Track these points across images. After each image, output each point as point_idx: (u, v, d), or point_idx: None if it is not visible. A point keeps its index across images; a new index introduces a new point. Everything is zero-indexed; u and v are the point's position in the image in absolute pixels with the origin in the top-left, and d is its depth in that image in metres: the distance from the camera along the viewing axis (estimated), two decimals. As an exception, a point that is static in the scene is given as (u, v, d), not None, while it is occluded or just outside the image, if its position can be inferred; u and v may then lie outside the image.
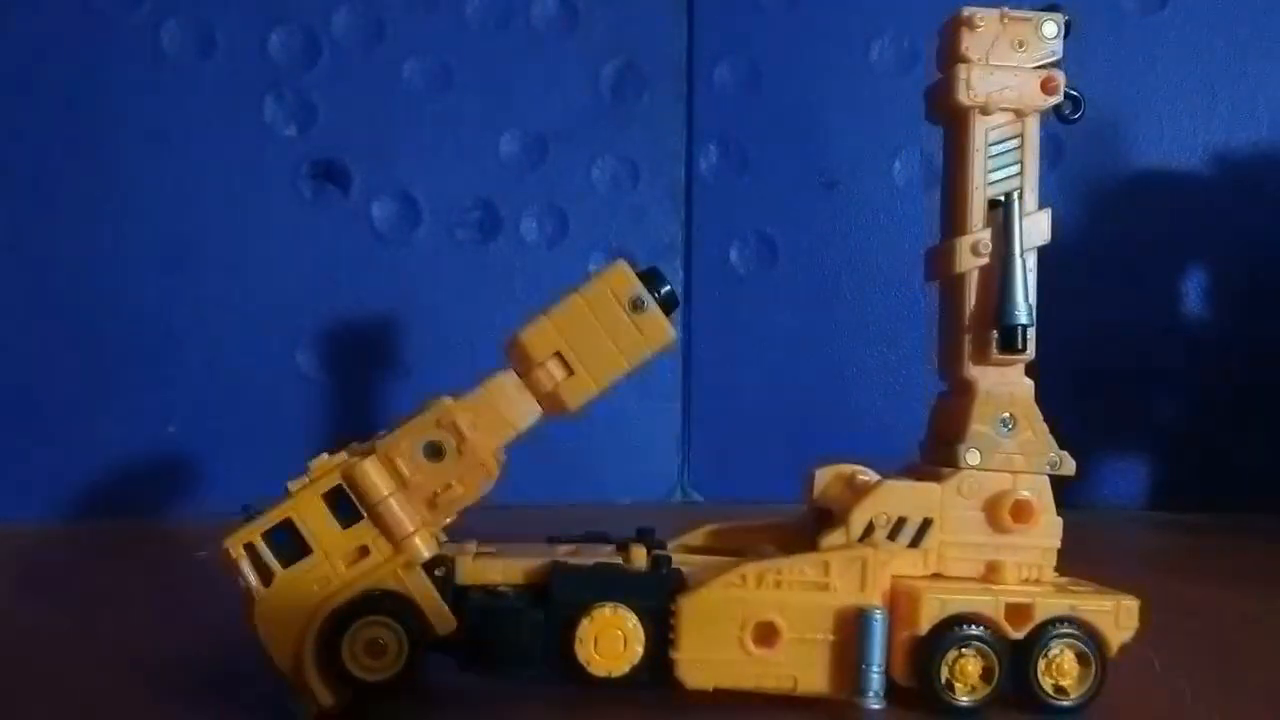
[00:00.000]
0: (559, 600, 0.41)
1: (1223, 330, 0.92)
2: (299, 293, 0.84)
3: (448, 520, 0.42)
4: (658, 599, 0.41)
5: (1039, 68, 0.44)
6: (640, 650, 0.41)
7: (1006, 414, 0.44)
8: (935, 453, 0.46)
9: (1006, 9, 0.44)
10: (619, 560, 0.43)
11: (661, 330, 0.42)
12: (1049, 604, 0.42)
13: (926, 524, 0.43)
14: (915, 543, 0.43)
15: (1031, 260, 0.45)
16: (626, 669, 0.41)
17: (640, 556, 0.43)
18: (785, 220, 0.90)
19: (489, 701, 0.43)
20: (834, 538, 0.43)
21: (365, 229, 0.86)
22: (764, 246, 0.90)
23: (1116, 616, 0.42)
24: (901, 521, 0.43)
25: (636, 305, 0.42)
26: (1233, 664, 0.51)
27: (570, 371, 0.42)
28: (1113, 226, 0.90)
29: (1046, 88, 0.44)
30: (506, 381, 0.42)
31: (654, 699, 0.42)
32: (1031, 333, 0.44)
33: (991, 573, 0.43)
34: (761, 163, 0.90)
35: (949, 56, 0.45)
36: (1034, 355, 0.44)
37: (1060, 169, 0.89)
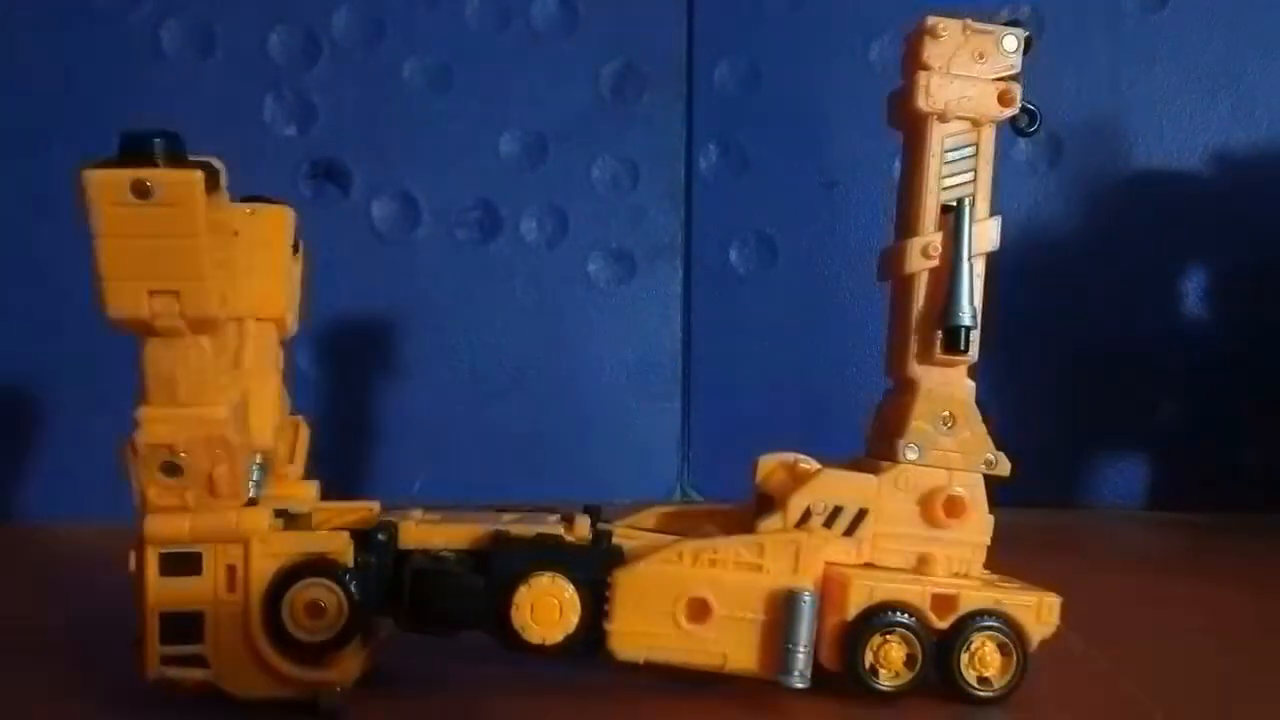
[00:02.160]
0: (498, 567, 0.42)
1: (1223, 330, 0.92)
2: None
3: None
4: (595, 571, 0.42)
5: (998, 80, 0.45)
6: (575, 620, 0.42)
7: (946, 413, 0.45)
8: (877, 447, 0.47)
9: (969, 20, 0.45)
10: (561, 532, 0.43)
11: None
12: (974, 596, 0.43)
13: (862, 514, 0.44)
14: (850, 531, 0.44)
15: (980, 266, 0.46)
16: (561, 637, 0.42)
17: (583, 530, 0.43)
18: (785, 220, 0.90)
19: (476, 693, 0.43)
20: (771, 522, 0.44)
21: (365, 228, 0.86)
22: (764, 246, 0.90)
23: (1038, 612, 0.43)
24: (838, 510, 0.44)
25: (140, 192, 0.38)
26: (1233, 664, 0.51)
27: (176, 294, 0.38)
28: (1112, 226, 0.90)
29: (1004, 99, 0.46)
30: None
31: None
32: (975, 335, 0.45)
33: (922, 564, 0.44)
34: (761, 163, 0.90)
35: (911, 63, 0.46)
36: (975, 358, 0.46)
37: (1060, 169, 0.89)
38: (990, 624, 0.43)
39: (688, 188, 0.90)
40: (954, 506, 0.44)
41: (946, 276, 0.45)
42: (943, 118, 0.45)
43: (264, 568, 0.40)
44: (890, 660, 0.42)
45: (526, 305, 0.88)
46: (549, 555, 0.42)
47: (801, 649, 0.42)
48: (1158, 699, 0.44)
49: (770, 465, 0.47)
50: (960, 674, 0.43)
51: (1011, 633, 0.43)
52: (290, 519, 0.42)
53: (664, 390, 0.90)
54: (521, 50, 0.87)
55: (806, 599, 0.42)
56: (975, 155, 0.46)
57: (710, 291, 0.90)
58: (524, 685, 0.45)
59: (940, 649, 0.43)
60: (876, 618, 0.42)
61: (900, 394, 0.47)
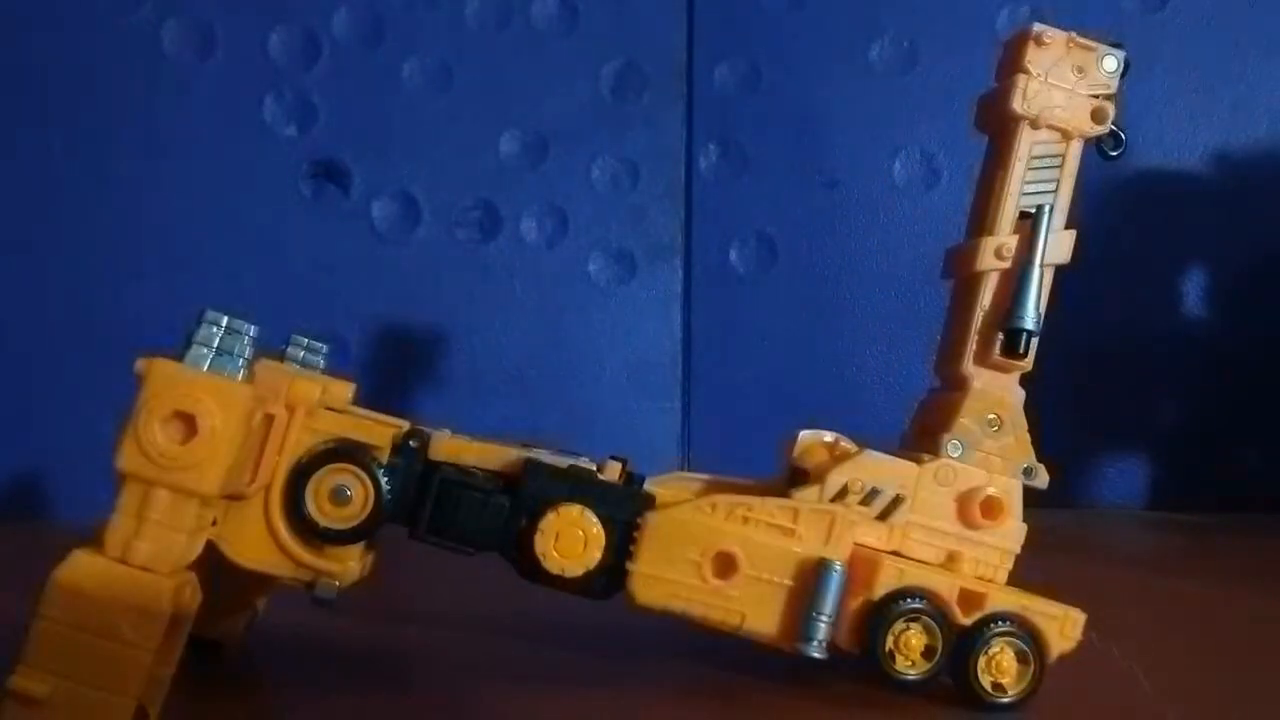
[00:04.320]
0: (529, 491, 0.42)
1: (1223, 330, 0.92)
2: (299, 291, 0.84)
3: None
4: (626, 510, 0.42)
5: (1093, 96, 0.46)
6: (598, 556, 0.41)
7: (994, 415, 0.45)
8: (918, 442, 0.47)
9: (1075, 34, 0.46)
10: (595, 469, 0.43)
11: None
12: (1001, 598, 0.43)
13: (898, 500, 0.44)
14: (884, 516, 0.44)
15: (1049, 277, 0.46)
16: (580, 571, 0.41)
17: (614, 471, 0.43)
18: (785, 220, 0.90)
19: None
20: (807, 493, 0.44)
21: (365, 228, 0.86)
22: (764, 246, 0.91)
23: (1063, 625, 0.43)
24: (874, 492, 0.44)
25: None
26: (1234, 663, 0.51)
27: None
28: (1112, 226, 0.90)
29: (1096, 116, 0.46)
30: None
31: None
32: (1034, 343, 0.45)
33: (950, 563, 0.44)
34: (761, 163, 0.90)
35: (1010, 66, 0.47)
36: (1031, 366, 0.46)
37: (1060, 169, 0.89)
38: (1012, 629, 0.42)
39: (688, 188, 0.90)
40: (991, 508, 0.44)
41: (1015, 280, 0.45)
42: (1035, 124, 0.46)
43: (301, 440, 0.39)
44: (910, 648, 0.42)
45: (527, 305, 0.88)
46: (582, 487, 0.42)
47: (825, 618, 0.42)
48: (1161, 698, 0.44)
49: (809, 441, 0.46)
50: (975, 677, 0.42)
51: (1032, 642, 0.42)
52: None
53: (664, 390, 0.90)
54: (522, 50, 0.87)
55: (838, 568, 0.42)
56: (1060, 167, 0.46)
57: (710, 291, 0.90)
58: (524, 684, 0.44)
59: (959, 647, 0.42)
60: (902, 601, 0.42)
61: (950, 391, 0.47)
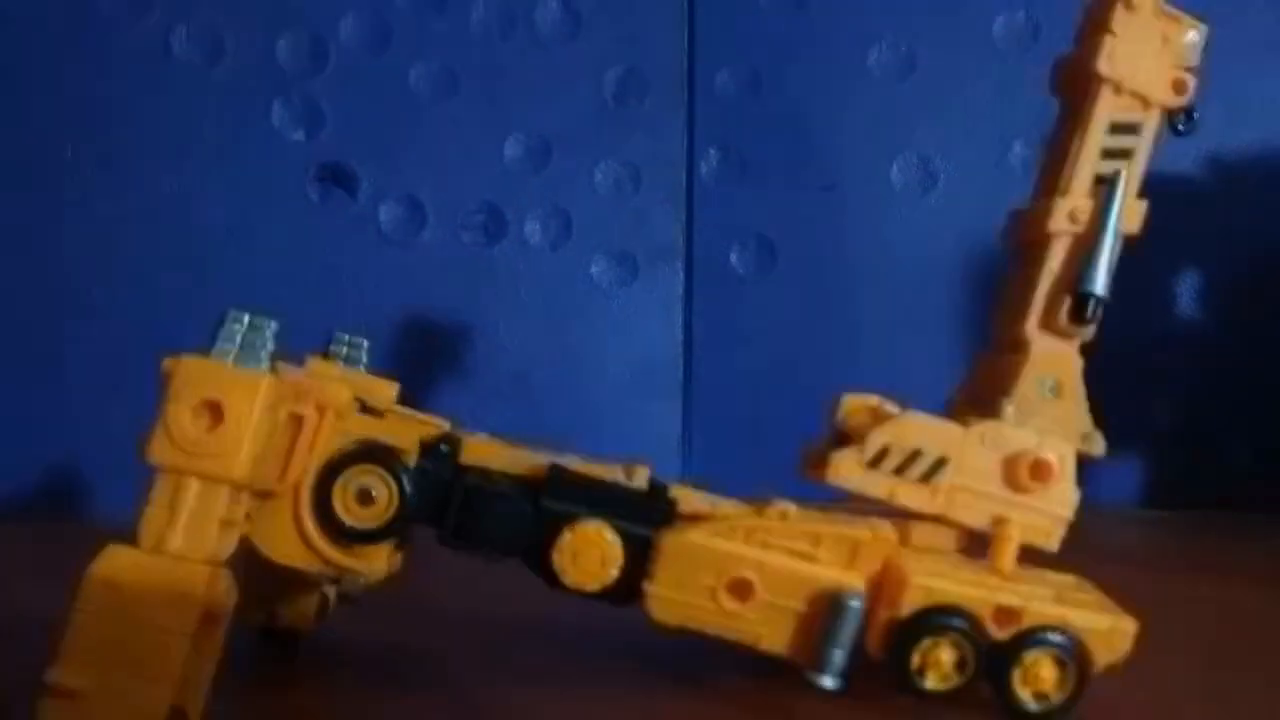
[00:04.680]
0: (548, 503, 0.41)
1: (1219, 330, 0.92)
2: (306, 294, 0.85)
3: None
4: (646, 523, 0.41)
5: (1175, 67, 0.45)
6: (615, 573, 0.41)
7: (1054, 380, 0.45)
8: (966, 409, 0.46)
9: (1159, 2, 0.45)
10: (620, 478, 0.42)
11: None
12: (1040, 612, 0.40)
13: (941, 462, 0.43)
14: (926, 478, 0.43)
15: (1119, 246, 0.45)
16: (597, 587, 0.41)
17: (642, 477, 0.42)
18: (784, 223, 0.91)
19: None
20: (846, 454, 0.43)
21: (372, 231, 0.87)
22: (763, 249, 0.91)
23: (1110, 638, 0.40)
24: (916, 454, 0.43)
25: None
26: (1227, 661, 0.51)
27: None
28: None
29: (1178, 87, 0.45)
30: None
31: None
32: (1100, 310, 0.45)
33: (998, 525, 0.43)
34: (761, 167, 0.91)
35: (1096, 26, 0.45)
36: (1092, 335, 0.45)
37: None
38: (1054, 641, 0.40)
39: (689, 191, 0.91)
40: (1040, 470, 0.43)
41: (1088, 244, 0.44)
42: (1118, 88, 0.45)
43: (330, 441, 0.40)
44: (939, 663, 0.40)
45: (530, 307, 0.89)
46: (601, 501, 0.41)
47: (840, 650, 0.40)
48: (1157, 697, 0.44)
49: (853, 403, 0.46)
50: (1016, 693, 0.40)
51: (1075, 655, 0.40)
52: (364, 408, 0.42)
53: (665, 390, 0.91)
54: (526, 57, 0.88)
55: (854, 605, 0.40)
56: (1138, 135, 0.45)
57: (711, 293, 0.91)
58: (540, 685, 0.45)
59: (995, 663, 0.40)
60: (930, 619, 0.40)
61: (1008, 354, 0.46)
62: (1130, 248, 0.47)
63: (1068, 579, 0.45)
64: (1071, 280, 0.45)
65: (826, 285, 0.91)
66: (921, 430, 0.43)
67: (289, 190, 0.86)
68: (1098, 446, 0.45)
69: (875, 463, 0.43)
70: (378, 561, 0.41)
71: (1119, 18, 0.45)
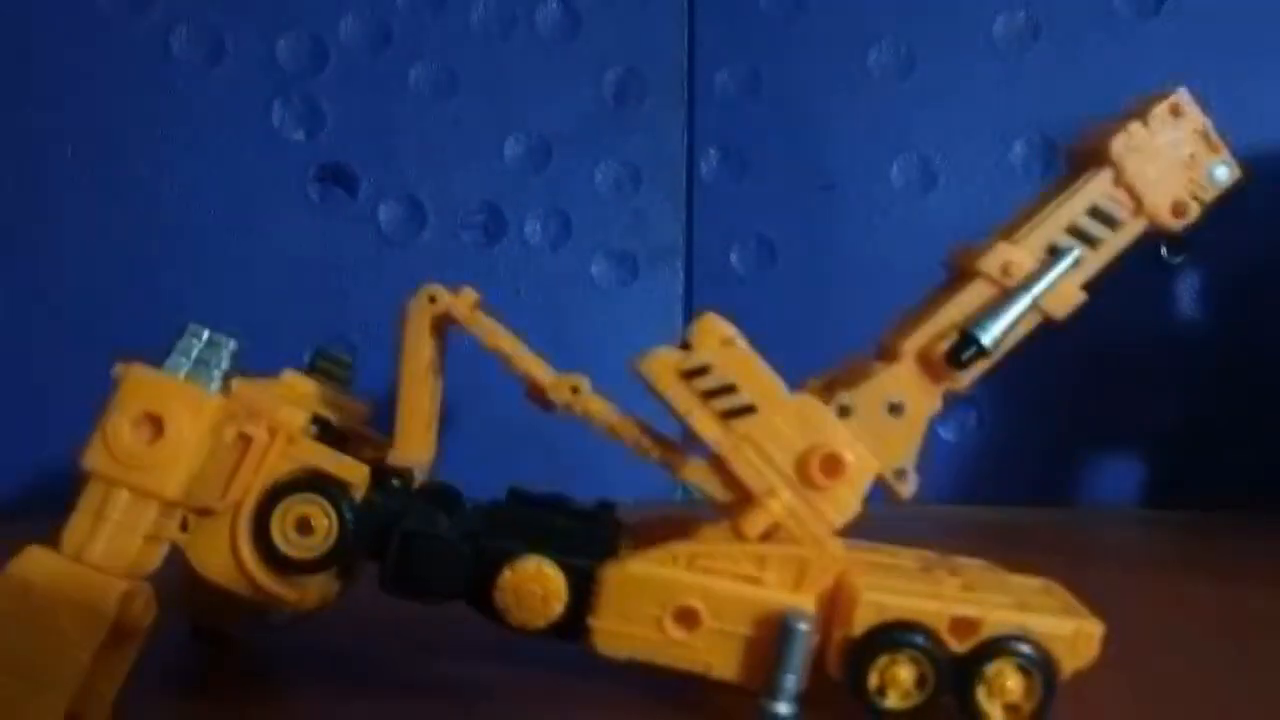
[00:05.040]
0: (486, 545, 0.40)
1: (1216, 330, 0.92)
2: (306, 293, 0.86)
3: None
4: (587, 554, 0.40)
5: (1187, 190, 0.43)
6: (560, 609, 0.40)
7: (901, 402, 0.43)
8: (818, 387, 0.45)
9: (1209, 123, 0.44)
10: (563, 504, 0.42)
11: None
12: (1000, 620, 0.39)
13: (749, 408, 0.41)
14: (728, 415, 0.41)
15: (1033, 321, 0.43)
16: (542, 624, 0.40)
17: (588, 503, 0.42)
18: (784, 223, 0.91)
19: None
20: (672, 353, 0.42)
21: (372, 231, 0.87)
22: (763, 249, 0.91)
23: (1075, 643, 0.39)
24: (730, 389, 0.41)
25: None
26: (1227, 661, 0.51)
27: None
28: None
29: (1177, 209, 0.43)
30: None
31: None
32: (980, 365, 0.42)
33: (766, 495, 0.41)
34: (761, 167, 0.91)
35: (1135, 112, 0.44)
36: (962, 389, 0.43)
37: (1054, 173, 0.90)
38: (1016, 649, 0.39)
39: (689, 191, 0.91)
40: (832, 466, 0.41)
41: (1001, 298, 0.42)
42: (1118, 176, 0.43)
43: (277, 466, 0.39)
44: (898, 681, 0.39)
45: (530, 306, 0.89)
46: (540, 537, 0.41)
47: (792, 676, 0.39)
48: (1155, 697, 0.44)
49: (708, 324, 0.43)
50: (981, 709, 0.39)
51: (1040, 662, 0.39)
52: (325, 428, 0.41)
53: (665, 390, 0.91)
54: (526, 56, 0.88)
55: (802, 628, 0.39)
56: (1113, 231, 0.43)
57: (711, 293, 0.91)
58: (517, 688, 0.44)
59: (958, 677, 0.39)
60: (885, 636, 0.39)
61: (879, 359, 0.45)
62: (1046, 328, 0.44)
63: (1033, 582, 0.44)
64: (967, 321, 0.42)
65: (826, 285, 0.91)
66: (749, 371, 0.42)
67: (289, 190, 0.86)
68: (904, 487, 0.42)
69: (691, 375, 0.42)
70: (309, 592, 0.41)
71: (1159, 114, 0.43)
